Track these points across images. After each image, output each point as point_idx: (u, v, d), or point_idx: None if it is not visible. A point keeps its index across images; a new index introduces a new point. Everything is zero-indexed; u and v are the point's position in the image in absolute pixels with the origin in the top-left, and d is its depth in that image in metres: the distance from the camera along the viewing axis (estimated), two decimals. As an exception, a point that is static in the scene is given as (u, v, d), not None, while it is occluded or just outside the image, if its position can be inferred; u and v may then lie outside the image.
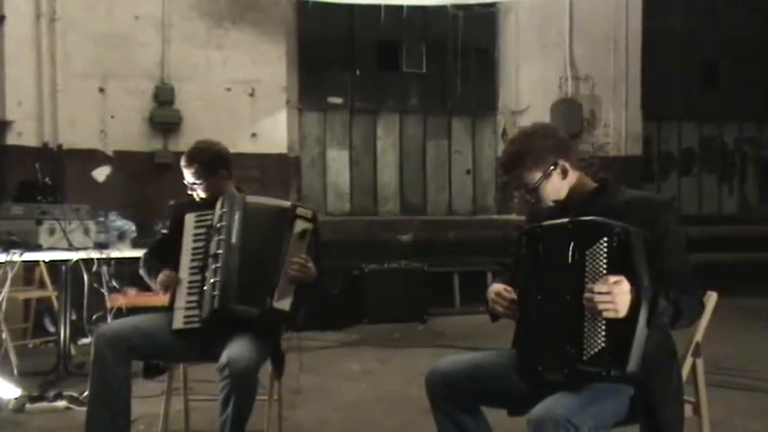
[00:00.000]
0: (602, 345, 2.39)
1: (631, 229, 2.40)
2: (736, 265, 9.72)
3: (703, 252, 9.04)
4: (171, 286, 3.57)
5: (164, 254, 3.83)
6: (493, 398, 2.79)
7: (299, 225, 3.56)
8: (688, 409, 2.83)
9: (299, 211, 3.59)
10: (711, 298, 2.91)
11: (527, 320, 2.67)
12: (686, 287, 2.51)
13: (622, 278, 2.35)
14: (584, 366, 2.42)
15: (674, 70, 10.96)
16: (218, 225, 3.52)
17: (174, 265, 3.64)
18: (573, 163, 2.75)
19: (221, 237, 3.50)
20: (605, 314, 2.35)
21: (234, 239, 3.50)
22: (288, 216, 3.57)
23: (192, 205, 3.75)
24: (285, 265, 3.49)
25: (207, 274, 3.49)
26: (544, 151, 2.72)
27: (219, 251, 3.48)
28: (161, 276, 3.61)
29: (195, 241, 3.59)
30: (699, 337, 2.86)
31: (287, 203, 3.66)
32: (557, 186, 2.73)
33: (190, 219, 3.63)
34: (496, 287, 2.80)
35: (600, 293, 2.34)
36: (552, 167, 2.70)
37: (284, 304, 3.48)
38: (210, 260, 3.50)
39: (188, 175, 3.74)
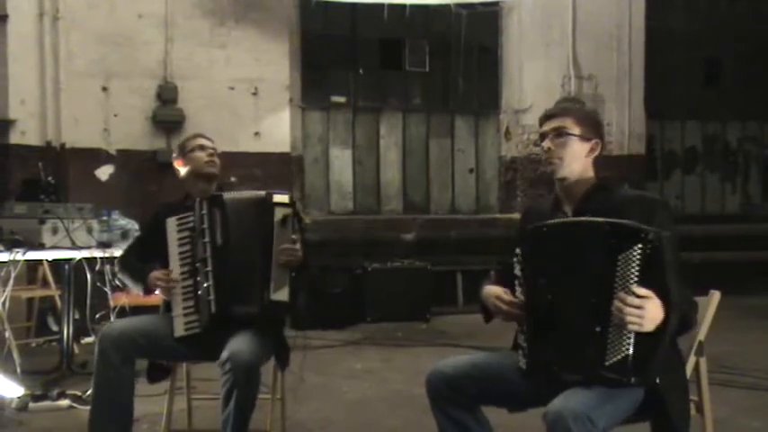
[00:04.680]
0: (626, 353, 2.39)
1: (664, 233, 2.38)
2: (738, 263, 9.73)
3: (706, 251, 9.08)
4: (169, 287, 3.52)
5: (143, 256, 3.81)
6: (493, 397, 2.80)
7: (279, 212, 3.50)
8: (691, 408, 2.83)
9: (276, 198, 3.55)
10: (714, 297, 2.91)
11: (537, 320, 2.63)
12: (686, 295, 2.53)
13: (652, 294, 2.34)
14: (605, 372, 2.42)
15: (677, 69, 10.96)
16: (202, 228, 3.50)
17: (161, 266, 3.63)
18: (598, 157, 2.86)
19: (206, 239, 3.48)
20: (630, 327, 2.35)
21: (219, 240, 3.49)
22: (266, 206, 3.53)
23: (171, 208, 3.72)
24: (275, 256, 3.46)
25: (199, 279, 3.48)
26: (596, 123, 2.91)
27: (207, 254, 3.47)
28: (157, 274, 3.55)
29: (181, 245, 3.55)
30: (702, 335, 2.86)
31: (261, 193, 3.60)
32: (579, 156, 2.81)
33: (171, 223, 3.58)
34: (494, 289, 2.79)
35: (631, 306, 2.34)
36: (590, 138, 2.83)
37: (282, 294, 3.45)
38: (200, 264, 3.48)
39: (208, 149, 3.81)
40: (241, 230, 3.54)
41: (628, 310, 2.34)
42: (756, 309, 8.37)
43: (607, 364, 2.42)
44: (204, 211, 3.52)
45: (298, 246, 3.49)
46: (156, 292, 3.60)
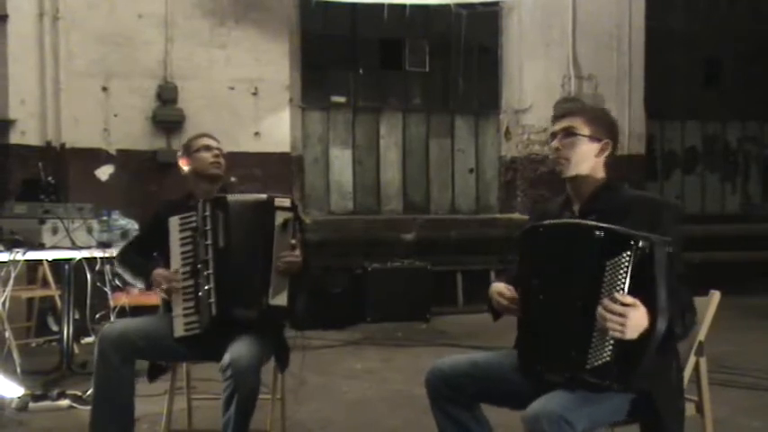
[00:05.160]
0: (608, 358, 2.38)
1: (656, 239, 2.37)
2: (738, 263, 9.73)
3: (706, 251, 9.08)
4: (171, 287, 3.52)
5: (143, 253, 3.82)
6: (493, 396, 2.80)
7: (280, 216, 3.50)
8: (691, 408, 2.83)
9: (277, 202, 3.54)
10: (714, 297, 2.91)
11: (529, 319, 2.66)
12: (682, 300, 2.51)
13: (638, 302, 2.33)
14: (586, 375, 2.42)
15: (677, 69, 10.96)
16: (204, 229, 3.48)
17: (162, 263, 3.63)
18: (609, 157, 2.83)
19: (208, 242, 3.47)
20: (612, 334, 2.34)
21: (221, 243, 3.48)
22: (267, 209, 3.52)
23: (173, 206, 3.72)
24: (274, 261, 3.45)
25: (200, 280, 3.46)
26: (608, 123, 2.88)
27: (209, 256, 3.46)
28: (161, 272, 3.55)
29: (183, 245, 3.54)
30: (702, 335, 2.86)
31: (263, 197, 3.59)
32: (588, 156, 2.79)
33: (174, 222, 3.57)
34: (498, 286, 2.81)
35: (612, 313, 2.33)
36: (600, 139, 2.80)
37: (281, 299, 3.45)
38: (201, 266, 3.47)
39: (214, 150, 3.79)
40: (243, 233, 3.52)
41: (609, 316, 2.33)
42: (756, 309, 8.37)
43: (588, 367, 2.41)
44: (207, 213, 3.50)
45: (297, 252, 3.48)
46: (156, 290, 3.58)
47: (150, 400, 4.31)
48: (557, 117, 2.89)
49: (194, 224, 3.52)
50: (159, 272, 3.56)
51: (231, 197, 3.60)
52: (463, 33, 9.93)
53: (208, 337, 3.44)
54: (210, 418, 4.08)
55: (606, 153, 2.82)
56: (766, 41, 11.09)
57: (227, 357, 3.18)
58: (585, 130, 2.79)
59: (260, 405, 3.29)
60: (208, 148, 3.80)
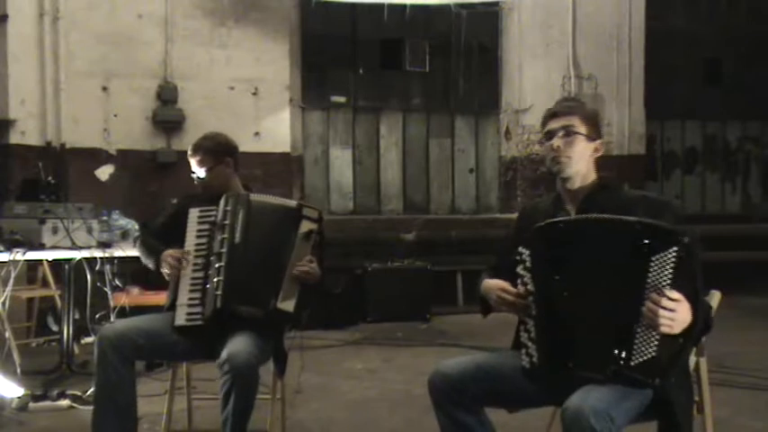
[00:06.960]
0: (654, 354, 2.37)
1: (695, 236, 2.37)
2: (739, 263, 9.70)
3: (706, 251, 9.04)
4: (179, 266, 3.52)
5: (163, 240, 3.81)
6: (496, 398, 2.77)
7: (305, 225, 3.55)
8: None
9: (305, 211, 3.59)
10: (715, 297, 2.90)
11: (550, 318, 2.59)
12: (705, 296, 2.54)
13: (683, 297, 2.33)
14: (631, 372, 2.40)
15: (677, 69, 10.95)
16: (223, 223, 3.51)
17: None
18: (600, 158, 2.87)
19: (225, 235, 3.49)
20: (662, 329, 2.33)
21: (237, 239, 3.49)
22: (293, 216, 3.56)
23: (197, 200, 3.73)
24: (290, 267, 3.48)
25: (210, 272, 3.48)
26: (598, 124, 2.90)
27: (223, 250, 3.47)
28: (171, 251, 3.55)
29: (198, 237, 3.56)
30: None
31: (293, 203, 3.65)
32: (585, 155, 2.81)
33: (193, 214, 3.60)
34: (498, 282, 2.78)
35: (664, 308, 2.31)
36: (595, 138, 2.83)
37: (288, 305, 3.47)
38: (214, 258, 3.48)
39: (194, 165, 3.76)
40: (262, 234, 3.55)
41: (661, 312, 2.31)
42: (756, 309, 8.37)
43: (633, 364, 2.40)
44: (228, 208, 3.53)
45: (315, 265, 3.54)
46: (163, 269, 3.58)
47: (150, 400, 4.31)
48: (553, 115, 2.85)
49: (213, 218, 3.55)
50: (168, 251, 3.57)
51: (255, 196, 3.64)
52: (463, 33, 9.94)
53: (208, 334, 3.44)
54: (210, 418, 4.08)
55: (599, 153, 2.85)
56: (766, 41, 11.09)
57: (224, 353, 3.18)
58: (583, 129, 2.80)
59: (260, 405, 3.29)
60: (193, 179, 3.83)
